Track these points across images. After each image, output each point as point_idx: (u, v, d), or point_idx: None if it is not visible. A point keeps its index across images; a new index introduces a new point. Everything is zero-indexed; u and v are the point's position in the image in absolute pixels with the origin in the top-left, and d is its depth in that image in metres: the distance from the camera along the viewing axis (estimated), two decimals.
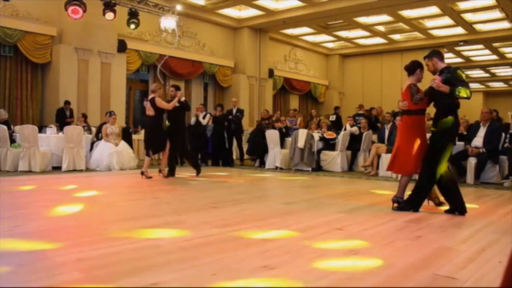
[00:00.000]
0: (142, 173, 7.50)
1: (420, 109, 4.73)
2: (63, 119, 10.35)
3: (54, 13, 10.81)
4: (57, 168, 8.68)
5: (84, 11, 9.93)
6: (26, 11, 10.44)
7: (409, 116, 4.77)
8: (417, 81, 4.81)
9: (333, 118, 13.14)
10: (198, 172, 8.14)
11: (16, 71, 10.52)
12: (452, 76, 4.50)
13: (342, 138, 9.67)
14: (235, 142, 11.27)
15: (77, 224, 3.87)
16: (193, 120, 10.74)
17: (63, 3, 9.94)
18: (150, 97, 7.66)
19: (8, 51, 10.31)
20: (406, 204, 4.74)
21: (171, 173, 7.97)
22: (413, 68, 4.82)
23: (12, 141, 8.63)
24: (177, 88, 7.94)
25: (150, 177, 7.44)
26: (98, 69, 11.34)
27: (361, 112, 12.14)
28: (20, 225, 3.72)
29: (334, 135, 9.86)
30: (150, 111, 7.56)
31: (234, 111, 10.92)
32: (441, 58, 4.73)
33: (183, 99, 7.90)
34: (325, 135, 9.93)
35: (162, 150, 7.87)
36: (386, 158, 8.75)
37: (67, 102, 10.52)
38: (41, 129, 9.40)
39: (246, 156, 11.45)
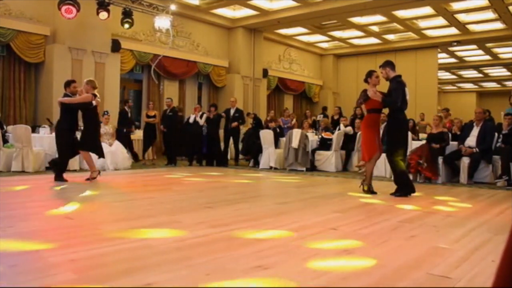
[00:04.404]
0: None
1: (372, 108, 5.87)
2: (125, 120, 10.39)
3: (47, 13, 10.72)
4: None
5: (78, 11, 9.87)
6: (19, 10, 10.35)
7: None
8: (373, 86, 5.84)
9: (320, 118, 13.25)
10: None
11: (9, 71, 10.42)
12: (392, 87, 5.66)
13: (336, 138, 9.69)
14: (231, 143, 11.24)
15: (71, 224, 3.85)
16: (192, 118, 10.70)
17: (57, 2, 9.87)
18: None
19: (1, 50, 10.22)
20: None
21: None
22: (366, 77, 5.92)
23: (5, 141, 8.56)
24: None
25: None
26: (92, 69, 11.26)
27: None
28: (14, 225, 3.70)
29: (331, 135, 9.88)
30: None
31: (233, 111, 10.81)
32: (393, 68, 5.80)
33: None
34: (323, 135, 9.94)
35: None
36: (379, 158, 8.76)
37: (126, 101, 10.47)
38: (34, 129, 9.34)
39: (240, 156, 11.43)
